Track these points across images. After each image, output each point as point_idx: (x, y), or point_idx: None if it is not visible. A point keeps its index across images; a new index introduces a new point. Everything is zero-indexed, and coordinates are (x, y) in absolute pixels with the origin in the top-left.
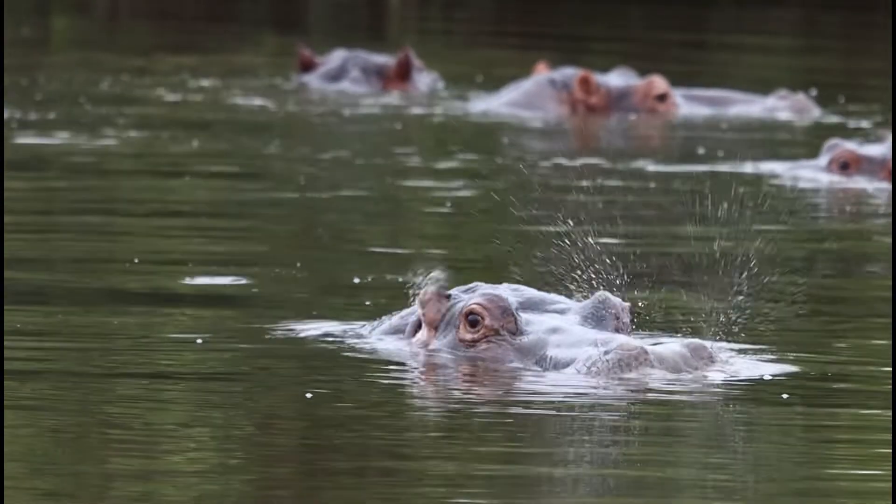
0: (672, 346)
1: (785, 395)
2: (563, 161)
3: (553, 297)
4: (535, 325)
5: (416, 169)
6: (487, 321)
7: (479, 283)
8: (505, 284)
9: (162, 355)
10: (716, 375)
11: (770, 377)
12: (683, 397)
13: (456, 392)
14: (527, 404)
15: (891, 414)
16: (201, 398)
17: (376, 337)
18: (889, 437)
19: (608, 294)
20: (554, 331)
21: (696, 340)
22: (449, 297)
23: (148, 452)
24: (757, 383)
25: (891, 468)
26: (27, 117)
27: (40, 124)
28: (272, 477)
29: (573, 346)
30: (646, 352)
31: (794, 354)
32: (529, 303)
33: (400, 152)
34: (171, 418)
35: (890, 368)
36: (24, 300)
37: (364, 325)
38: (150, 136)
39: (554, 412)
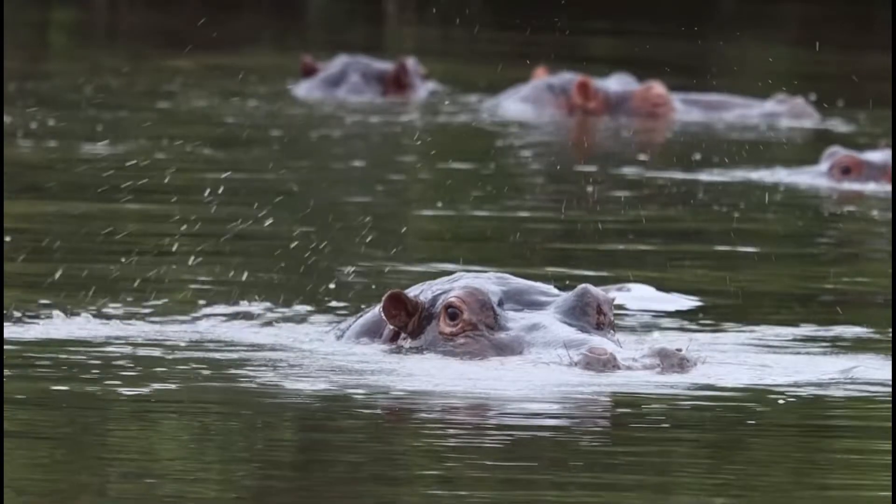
0: (639, 357)
1: (781, 401)
2: (559, 166)
3: (539, 286)
4: (515, 320)
5: (414, 174)
6: (466, 315)
7: (462, 273)
8: (491, 273)
9: (152, 373)
10: (685, 381)
11: (758, 386)
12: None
13: (436, 403)
14: (501, 426)
15: (891, 424)
16: (194, 419)
17: (348, 342)
18: (889, 447)
19: (590, 287)
20: (533, 328)
21: (665, 346)
22: (404, 297)
23: (144, 476)
24: (736, 390)
25: (891, 482)
26: (25, 124)
27: (37, 132)
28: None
29: (548, 345)
30: (615, 358)
31: (788, 359)
32: (514, 292)
33: (398, 159)
34: (165, 441)
35: (890, 373)
36: (18, 318)
37: (329, 331)
38: (147, 146)
39: (530, 433)
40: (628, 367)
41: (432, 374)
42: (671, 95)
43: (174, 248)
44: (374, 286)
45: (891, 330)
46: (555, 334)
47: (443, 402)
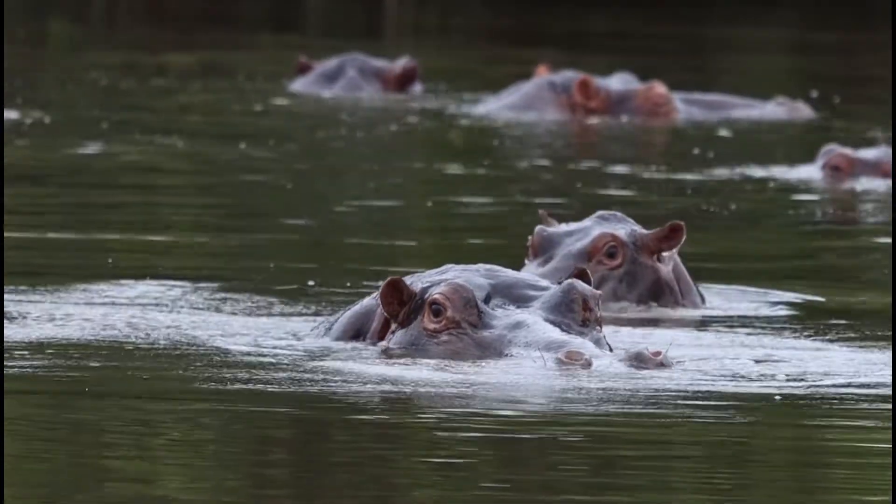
0: (615, 362)
1: (777, 397)
2: (560, 165)
3: (528, 279)
4: (499, 318)
5: (414, 174)
6: (449, 312)
7: (451, 266)
8: (480, 265)
9: (145, 372)
10: (663, 381)
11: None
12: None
13: (420, 406)
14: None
15: (891, 424)
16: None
17: (336, 337)
18: (888, 447)
19: (576, 282)
20: (516, 326)
21: (642, 350)
22: (403, 286)
23: (142, 476)
24: (722, 395)
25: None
26: (22, 122)
27: (34, 131)
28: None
29: (529, 346)
30: (589, 364)
31: (779, 361)
32: (503, 286)
33: (398, 157)
34: (159, 441)
35: (889, 376)
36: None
37: (319, 324)
38: (142, 143)
39: (519, 434)
40: (603, 372)
41: (416, 378)
42: (672, 95)
43: (169, 245)
44: (348, 284)
45: (890, 333)
46: (536, 334)
47: (429, 408)
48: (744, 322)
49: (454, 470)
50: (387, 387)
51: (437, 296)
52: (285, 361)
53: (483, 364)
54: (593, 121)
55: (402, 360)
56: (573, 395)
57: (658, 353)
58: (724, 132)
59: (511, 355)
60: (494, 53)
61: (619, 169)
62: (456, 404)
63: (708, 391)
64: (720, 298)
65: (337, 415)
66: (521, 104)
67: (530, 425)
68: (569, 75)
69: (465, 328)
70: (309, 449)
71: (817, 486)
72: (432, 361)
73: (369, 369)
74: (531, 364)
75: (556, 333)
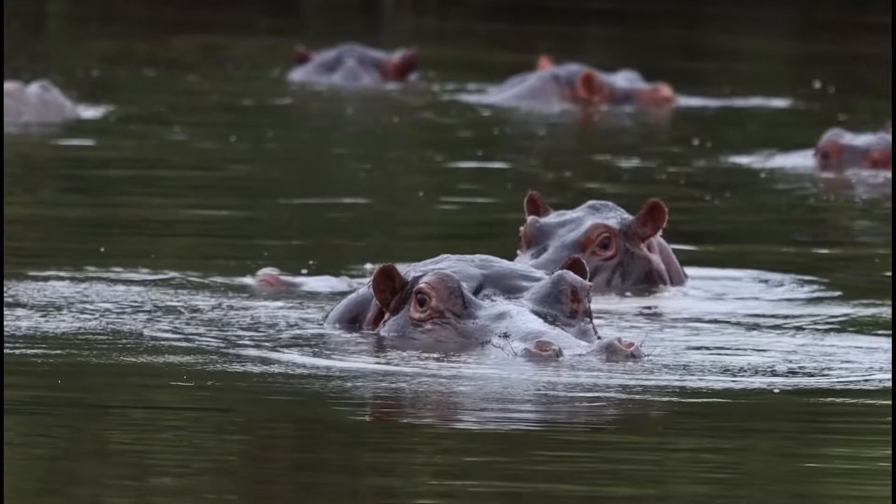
0: (585, 353)
1: (776, 391)
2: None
3: (522, 270)
4: (485, 309)
5: (414, 165)
6: (434, 302)
7: (447, 255)
8: (476, 255)
9: (142, 371)
10: (635, 375)
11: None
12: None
13: (410, 401)
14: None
15: (891, 426)
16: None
17: (329, 327)
18: (888, 444)
19: (566, 273)
20: (499, 317)
21: (613, 342)
22: (395, 273)
23: (140, 480)
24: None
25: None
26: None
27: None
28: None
29: (507, 336)
30: (558, 353)
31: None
32: (495, 276)
33: (399, 147)
34: (156, 444)
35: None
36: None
37: (316, 313)
38: (138, 134)
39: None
40: (572, 363)
41: (402, 374)
42: (677, 98)
43: (163, 239)
44: (344, 275)
45: (891, 331)
46: (517, 325)
47: (416, 408)
48: (737, 314)
49: (454, 475)
50: (362, 382)
51: (422, 285)
52: (282, 357)
53: (453, 355)
54: (595, 111)
55: (379, 353)
56: (533, 388)
57: (630, 345)
58: (723, 121)
59: (488, 345)
60: (494, 40)
61: (620, 162)
62: (413, 399)
63: (679, 386)
64: (711, 287)
65: (329, 413)
66: (524, 96)
67: (487, 422)
68: (573, 69)
69: (449, 318)
70: (303, 450)
71: (815, 492)
72: (397, 354)
73: (355, 363)
74: (500, 355)
75: (535, 324)
